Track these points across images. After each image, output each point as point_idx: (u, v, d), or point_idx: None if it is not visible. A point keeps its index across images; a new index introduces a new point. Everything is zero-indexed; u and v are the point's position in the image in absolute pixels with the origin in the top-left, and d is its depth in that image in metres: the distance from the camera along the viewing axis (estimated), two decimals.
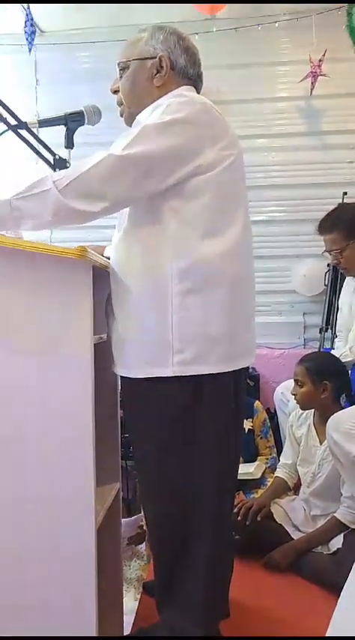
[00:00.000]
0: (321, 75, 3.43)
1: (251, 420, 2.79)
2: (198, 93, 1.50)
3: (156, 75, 1.43)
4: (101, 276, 1.36)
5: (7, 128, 1.41)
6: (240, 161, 1.41)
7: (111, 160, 1.24)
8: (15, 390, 1.22)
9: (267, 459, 2.75)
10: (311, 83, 3.47)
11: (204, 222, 1.31)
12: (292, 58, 3.62)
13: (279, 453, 2.58)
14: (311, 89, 3.49)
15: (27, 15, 3.41)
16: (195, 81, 1.49)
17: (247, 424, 2.77)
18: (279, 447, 2.70)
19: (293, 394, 2.27)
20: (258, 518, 2.15)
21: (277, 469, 2.42)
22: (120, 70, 1.47)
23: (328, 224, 2.45)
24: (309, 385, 2.20)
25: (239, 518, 2.13)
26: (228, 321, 1.34)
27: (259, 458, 2.74)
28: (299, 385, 2.23)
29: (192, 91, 1.45)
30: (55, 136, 1.58)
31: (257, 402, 2.90)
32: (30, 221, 1.25)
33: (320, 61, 3.41)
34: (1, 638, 1.22)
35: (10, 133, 1.46)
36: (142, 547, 2.02)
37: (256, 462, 2.67)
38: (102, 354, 1.38)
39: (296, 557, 1.98)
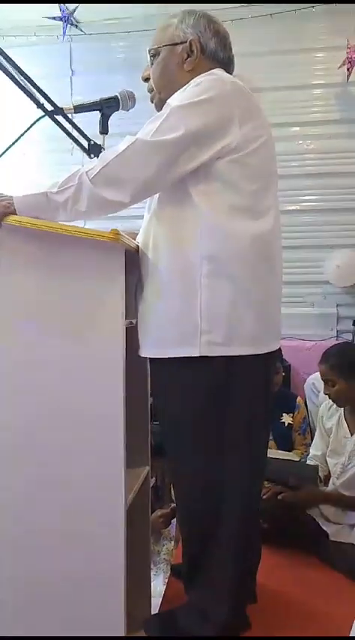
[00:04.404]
0: None
1: (291, 415, 2.77)
2: None
3: (186, 59, 1.42)
4: (133, 261, 1.38)
5: (43, 114, 1.43)
6: (270, 144, 1.39)
7: (138, 145, 1.24)
8: (48, 371, 1.24)
9: (302, 454, 2.73)
10: (347, 70, 3.40)
11: (233, 204, 1.31)
12: (329, 44, 3.56)
13: None
14: (348, 75, 3.41)
15: (62, 6, 3.45)
16: (226, 64, 1.47)
17: (287, 418, 2.74)
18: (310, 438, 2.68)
19: (327, 394, 2.22)
20: (279, 497, 2.14)
21: (307, 460, 2.40)
22: (150, 56, 1.47)
23: None
24: (342, 383, 2.13)
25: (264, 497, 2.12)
26: (256, 304, 1.33)
27: (294, 451, 2.72)
28: (330, 385, 2.18)
29: (223, 72, 1.43)
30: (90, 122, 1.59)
31: (299, 397, 2.87)
32: (64, 213, 1.26)
33: None
34: (2, 638, 1.26)
35: (46, 119, 1.48)
36: (171, 530, 2.04)
37: (291, 453, 2.66)
38: (132, 339, 1.39)
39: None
